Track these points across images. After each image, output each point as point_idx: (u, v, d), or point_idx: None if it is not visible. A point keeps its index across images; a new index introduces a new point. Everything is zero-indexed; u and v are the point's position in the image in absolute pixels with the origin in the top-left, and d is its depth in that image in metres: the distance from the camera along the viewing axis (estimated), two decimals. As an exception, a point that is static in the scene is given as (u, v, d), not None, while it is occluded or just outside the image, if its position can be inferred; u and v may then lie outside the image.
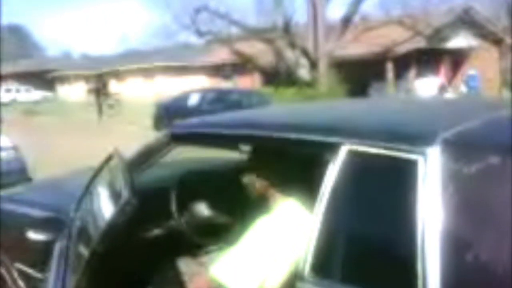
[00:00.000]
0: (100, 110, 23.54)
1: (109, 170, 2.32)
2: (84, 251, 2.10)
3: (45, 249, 2.58)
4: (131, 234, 2.36)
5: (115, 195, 1.98)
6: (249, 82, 25.27)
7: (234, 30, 22.30)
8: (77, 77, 42.11)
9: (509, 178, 1.52)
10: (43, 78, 44.27)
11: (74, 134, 16.09)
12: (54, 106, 30.23)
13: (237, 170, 2.30)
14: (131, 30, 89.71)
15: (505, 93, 20.76)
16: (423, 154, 1.59)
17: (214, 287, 1.89)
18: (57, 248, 2.34)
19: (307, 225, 1.91)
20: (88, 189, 2.46)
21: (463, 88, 21.22)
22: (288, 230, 1.98)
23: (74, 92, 40.38)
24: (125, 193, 1.84)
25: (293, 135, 1.98)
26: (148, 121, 16.62)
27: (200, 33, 22.11)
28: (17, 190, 4.02)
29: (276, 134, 2.05)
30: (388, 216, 1.66)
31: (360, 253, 1.70)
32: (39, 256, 2.65)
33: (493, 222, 1.49)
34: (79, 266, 2.02)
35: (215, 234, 2.73)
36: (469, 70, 21.62)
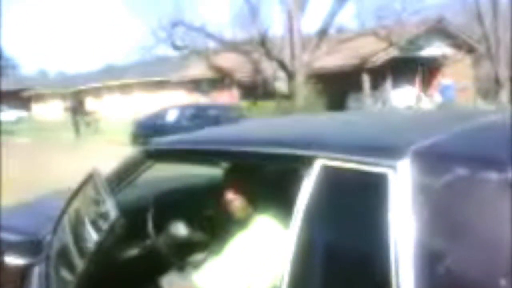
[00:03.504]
0: (77, 129, 23.33)
1: (89, 190, 2.30)
2: (66, 273, 2.07)
3: (21, 273, 2.54)
4: (114, 254, 2.34)
5: (99, 215, 1.97)
6: (227, 96, 25.30)
7: (211, 44, 22.36)
8: (53, 96, 41.70)
9: (479, 189, 1.54)
10: (18, 97, 43.71)
11: (51, 154, 15.86)
12: (30, 126, 29.82)
13: (212, 187, 2.31)
14: (107, 47, 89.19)
15: (480, 103, 21.12)
16: (393, 167, 1.61)
17: None
18: (36, 272, 2.30)
19: (282, 241, 1.92)
20: (65, 211, 2.43)
21: (438, 98, 21.51)
22: (265, 246, 2.00)
23: (50, 111, 39.97)
24: (113, 212, 1.82)
25: (268, 150, 1.99)
26: (127, 139, 16.51)
27: (176, 47, 22.10)
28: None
29: (251, 149, 2.05)
30: (361, 231, 1.67)
31: (335, 268, 1.71)
32: (14, 282, 2.60)
33: (464, 233, 1.51)
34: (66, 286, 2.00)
35: (193, 252, 2.73)
36: (444, 80, 21.96)
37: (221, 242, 2.55)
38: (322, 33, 19.79)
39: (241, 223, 2.17)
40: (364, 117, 2.90)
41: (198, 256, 2.70)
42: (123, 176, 2.37)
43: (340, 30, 23.17)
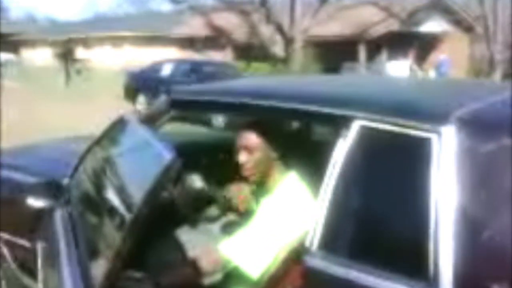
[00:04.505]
0: (68, 76, 22.98)
1: (123, 135, 2.26)
2: (93, 217, 2.06)
3: (36, 216, 2.52)
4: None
5: (146, 159, 1.93)
6: (221, 56, 25.01)
7: (209, 1, 21.97)
8: (43, 42, 40.83)
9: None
10: (7, 41, 42.78)
11: (44, 102, 15.65)
12: (19, 70, 29.29)
13: (227, 144, 2.26)
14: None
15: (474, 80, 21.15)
16: (438, 132, 1.60)
17: (223, 263, 1.89)
18: (58, 214, 2.27)
19: (311, 200, 1.91)
20: (87, 156, 2.39)
21: (432, 73, 21.49)
22: (293, 205, 1.97)
23: (39, 57, 39.23)
24: (168, 154, 1.78)
25: (300, 106, 1.96)
26: (118, 90, 16.29)
27: (175, 1, 21.67)
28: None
29: (281, 104, 2.01)
30: (399, 194, 1.66)
31: (369, 230, 1.71)
32: (28, 224, 2.58)
33: (507, 200, 1.52)
34: (96, 229, 1.97)
35: (207, 206, 2.72)
36: (440, 55, 21.90)
37: (241, 200, 2.54)
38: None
39: (264, 181, 2.11)
40: (400, 81, 2.87)
41: (212, 211, 2.69)
42: (149, 124, 2.32)
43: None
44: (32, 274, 2.62)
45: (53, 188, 2.41)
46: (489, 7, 20.29)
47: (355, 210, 1.74)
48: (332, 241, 1.72)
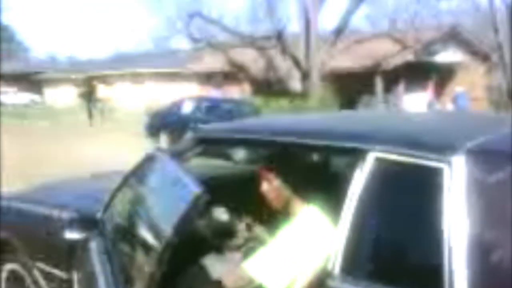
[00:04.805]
0: (90, 116, 23.51)
1: (154, 170, 2.42)
2: (126, 247, 2.20)
3: (70, 248, 2.67)
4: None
5: (174, 192, 2.08)
6: (238, 90, 25.39)
7: (226, 37, 22.46)
8: (65, 81, 41.86)
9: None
10: (29, 80, 43.92)
11: (68, 140, 16.05)
12: (44, 110, 30.03)
13: (255, 176, 2.40)
14: (119, 35, 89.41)
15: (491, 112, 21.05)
16: (448, 162, 1.72)
17: (245, 281, 2.00)
18: (93, 245, 2.43)
19: (330, 228, 2.03)
20: (120, 190, 2.55)
21: (450, 106, 21.48)
22: (312, 233, 2.09)
23: (62, 96, 40.15)
24: (195, 188, 1.93)
25: (319, 142, 2.11)
26: (140, 129, 16.61)
27: (193, 39, 22.22)
28: (22, 191, 4.05)
29: (301, 140, 2.17)
30: (414, 220, 1.78)
31: (387, 254, 1.83)
32: (63, 256, 2.74)
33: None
34: (129, 259, 2.11)
35: (232, 237, 2.84)
36: (457, 87, 21.92)
37: (262, 229, 2.67)
38: (338, 32, 19.84)
39: (285, 212, 2.25)
40: (412, 116, 3.01)
41: (236, 241, 2.81)
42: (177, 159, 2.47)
43: (354, 31, 23.18)
44: None
45: (87, 222, 2.57)
46: (504, 35, 20.35)
47: (373, 236, 1.86)
48: (352, 265, 1.84)
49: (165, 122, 14.93)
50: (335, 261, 1.87)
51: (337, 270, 1.86)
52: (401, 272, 1.76)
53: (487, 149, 1.80)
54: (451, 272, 1.59)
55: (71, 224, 2.57)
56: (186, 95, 18.30)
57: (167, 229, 1.95)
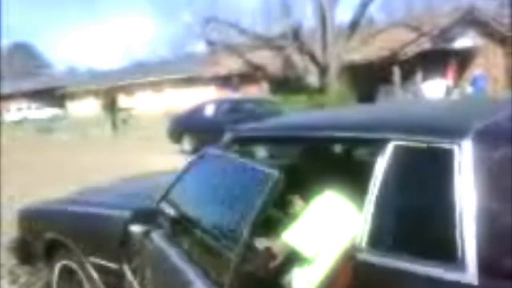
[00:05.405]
0: (114, 126, 24.04)
1: (205, 165, 2.72)
2: (185, 236, 2.51)
3: (124, 242, 3.02)
4: None
5: (245, 179, 2.32)
6: (257, 90, 25.70)
7: (243, 39, 22.77)
8: (86, 93, 42.73)
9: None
10: (52, 95, 44.89)
11: (95, 151, 16.58)
12: (67, 123, 30.73)
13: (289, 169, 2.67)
14: (134, 43, 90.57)
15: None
16: (458, 144, 1.99)
17: (287, 250, 2.30)
18: (156, 235, 2.76)
19: (354, 210, 2.32)
20: (173, 186, 2.87)
21: (469, 89, 21.51)
22: (337, 213, 2.37)
23: (84, 108, 40.99)
24: (273, 171, 2.14)
25: (346, 134, 2.40)
26: (163, 134, 17.02)
27: (210, 43, 22.59)
28: (68, 195, 4.43)
29: (330, 134, 2.47)
30: (430, 196, 2.06)
31: (407, 227, 2.11)
32: (116, 250, 3.08)
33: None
34: (199, 246, 2.39)
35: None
36: (476, 70, 21.92)
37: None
38: (354, 25, 19.97)
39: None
40: (424, 104, 3.27)
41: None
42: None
43: (370, 22, 23.30)
44: None
45: (148, 216, 2.89)
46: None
47: (395, 212, 2.15)
48: (377, 239, 2.13)
49: (187, 126, 15.29)
50: (362, 236, 2.16)
51: (364, 244, 2.15)
52: (418, 243, 2.03)
53: (491, 131, 2.07)
54: (462, 239, 1.86)
55: (135, 219, 2.89)
56: (205, 98, 18.69)
57: (249, 213, 2.12)
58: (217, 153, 2.72)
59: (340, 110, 4.18)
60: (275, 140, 2.71)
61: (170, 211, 2.75)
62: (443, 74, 22.60)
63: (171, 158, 11.99)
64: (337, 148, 2.77)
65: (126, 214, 3.02)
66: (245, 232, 2.10)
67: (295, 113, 10.99)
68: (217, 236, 2.30)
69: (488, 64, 22.19)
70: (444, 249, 1.90)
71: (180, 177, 2.89)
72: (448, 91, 21.55)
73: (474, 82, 20.80)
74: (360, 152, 2.75)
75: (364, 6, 19.94)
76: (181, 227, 2.62)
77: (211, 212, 2.50)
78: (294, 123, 2.85)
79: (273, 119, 3.11)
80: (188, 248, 2.50)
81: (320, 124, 2.65)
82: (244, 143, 2.82)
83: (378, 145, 2.23)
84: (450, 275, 1.86)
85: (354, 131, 2.39)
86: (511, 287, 1.75)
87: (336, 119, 2.77)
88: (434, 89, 21.60)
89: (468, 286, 1.81)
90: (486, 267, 1.80)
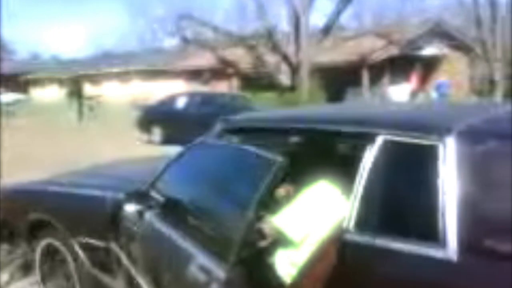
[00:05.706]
0: (80, 113, 23.76)
1: (200, 153, 2.84)
2: (180, 216, 2.62)
3: (109, 222, 3.14)
4: None
5: (246, 165, 2.48)
6: (227, 86, 25.78)
7: (216, 36, 22.86)
8: (51, 80, 41.93)
9: (507, 157, 2.12)
10: (16, 81, 43.80)
11: (62, 137, 16.35)
12: (30, 108, 30.08)
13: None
14: (102, 33, 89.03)
15: (474, 100, 21.81)
16: (443, 141, 2.18)
17: (276, 233, 2.45)
18: (149, 215, 2.88)
19: (342, 196, 2.48)
20: (164, 172, 2.98)
21: (433, 95, 22.16)
22: (326, 199, 2.54)
23: (48, 95, 40.25)
24: (277, 158, 2.29)
25: (337, 128, 2.57)
26: (131, 124, 16.94)
27: (185, 40, 22.59)
28: (52, 178, 4.47)
29: (322, 127, 2.64)
30: (416, 186, 2.24)
31: (392, 211, 2.30)
32: (105, 229, 3.19)
33: (496, 188, 2.09)
34: (196, 228, 2.51)
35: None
36: (440, 77, 22.63)
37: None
38: (326, 31, 20.42)
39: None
40: (409, 105, 3.47)
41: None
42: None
43: (341, 29, 23.82)
44: (104, 267, 3.27)
45: (140, 197, 3.00)
46: (487, 27, 21.03)
47: (381, 198, 2.33)
48: (364, 222, 2.30)
49: (157, 117, 15.28)
50: (350, 220, 2.34)
51: (351, 226, 2.33)
52: (404, 225, 2.23)
53: (472, 129, 2.27)
54: (444, 221, 2.05)
55: (129, 200, 3.00)
56: (174, 91, 18.64)
57: (251, 197, 2.27)
58: (216, 140, 2.85)
59: (332, 106, 4.37)
60: (266, 131, 2.84)
61: (164, 193, 2.87)
62: (408, 79, 23.23)
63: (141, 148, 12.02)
64: (329, 140, 2.92)
65: (120, 195, 3.10)
66: (250, 213, 2.25)
67: (268, 109, 11.18)
68: (218, 216, 2.43)
69: (453, 71, 22.93)
70: (428, 230, 2.09)
71: (174, 162, 3.00)
72: (412, 95, 22.17)
73: (437, 88, 21.48)
74: (351, 144, 2.90)
75: (337, 13, 20.44)
76: (177, 208, 2.74)
77: (212, 196, 2.63)
78: (286, 116, 3.00)
79: (264, 111, 3.25)
80: (185, 227, 2.62)
81: (313, 117, 2.81)
82: (234, 133, 2.94)
83: (368, 138, 2.40)
84: (432, 252, 2.05)
85: (346, 125, 2.55)
86: (486, 263, 1.95)
87: (328, 114, 2.94)
88: (399, 92, 22.20)
89: (448, 262, 2.01)
90: (465, 245, 2.00)
